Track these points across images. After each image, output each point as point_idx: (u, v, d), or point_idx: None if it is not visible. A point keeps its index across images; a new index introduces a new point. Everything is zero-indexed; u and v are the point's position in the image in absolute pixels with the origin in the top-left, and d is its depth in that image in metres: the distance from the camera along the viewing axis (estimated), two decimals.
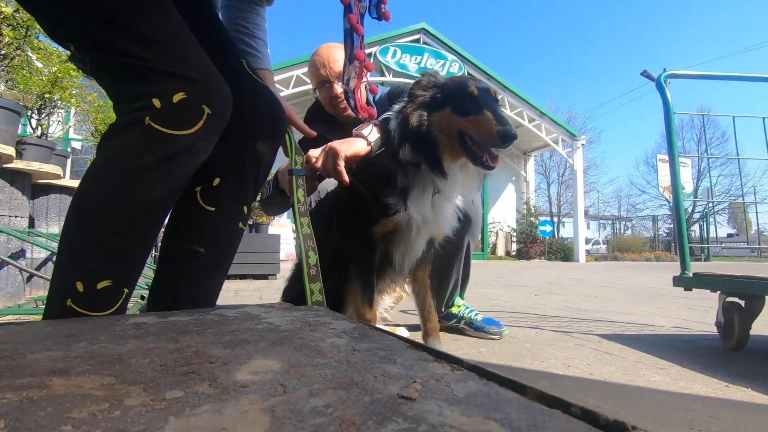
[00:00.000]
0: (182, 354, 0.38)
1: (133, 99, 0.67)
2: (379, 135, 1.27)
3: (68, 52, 0.73)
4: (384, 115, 1.32)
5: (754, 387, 1.18)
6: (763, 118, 2.05)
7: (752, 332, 1.62)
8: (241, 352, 0.39)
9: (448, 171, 1.14)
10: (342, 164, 1.19)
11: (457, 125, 1.10)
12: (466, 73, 10.63)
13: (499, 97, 1.21)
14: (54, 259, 0.74)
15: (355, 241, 1.27)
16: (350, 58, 1.12)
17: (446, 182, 1.16)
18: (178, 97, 0.67)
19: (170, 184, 0.72)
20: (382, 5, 1.08)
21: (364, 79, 1.19)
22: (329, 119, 1.69)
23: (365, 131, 1.26)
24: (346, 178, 1.20)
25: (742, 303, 1.59)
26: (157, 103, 0.66)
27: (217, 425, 0.24)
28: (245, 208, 0.92)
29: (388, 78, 9.57)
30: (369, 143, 1.25)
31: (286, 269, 2.16)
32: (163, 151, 0.68)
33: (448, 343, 1.66)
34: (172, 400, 0.28)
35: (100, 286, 0.66)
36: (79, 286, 0.65)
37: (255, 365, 0.35)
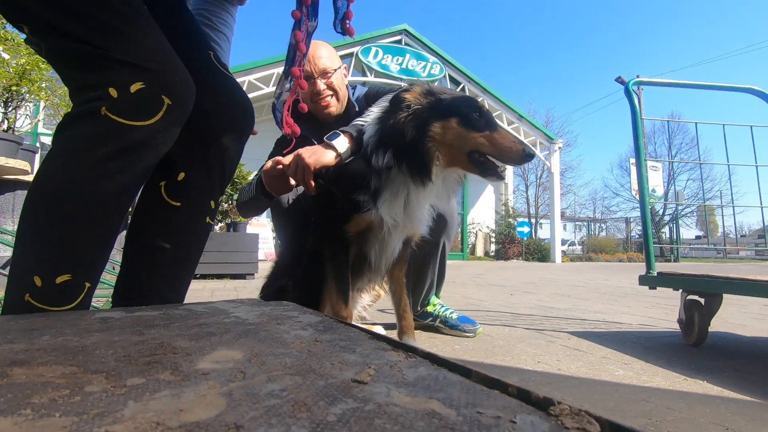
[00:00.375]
0: (147, 345, 0.39)
1: (88, 88, 0.66)
2: (349, 145, 1.29)
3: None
4: (356, 123, 1.34)
5: (709, 380, 1.25)
6: (723, 126, 2.16)
7: (711, 329, 1.70)
8: (205, 343, 0.40)
9: (434, 180, 1.14)
10: (311, 177, 1.21)
11: (471, 140, 1.10)
12: (447, 75, 10.75)
13: (478, 101, 1.24)
14: None
15: (329, 240, 1.28)
16: (286, 73, 1.14)
17: (423, 189, 1.17)
18: (135, 87, 0.65)
19: (129, 177, 0.70)
20: (347, 21, 1.10)
21: (296, 96, 1.20)
22: (308, 115, 1.70)
23: (336, 141, 1.28)
24: (313, 191, 1.22)
25: (702, 301, 1.67)
26: (113, 92, 0.64)
27: (174, 407, 0.25)
28: (212, 203, 0.91)
29: (370, 78, 9.58)
30: (338, 154, 1.27)
31: (264, 269, 2.15)
32: (120, 143, 0.66)
33: (424, 341, 1.69)
34: (133, 386, 0.29)
35: (59, 280, 0.64)
36: (37, 281, 0.64)
37: (218, 355, 0.36)
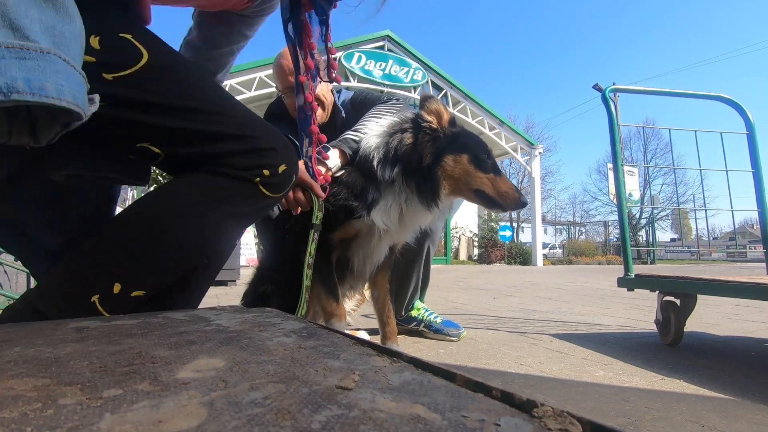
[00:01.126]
0: (124, 356, 0.38)
1: (247, 168, 0.76)
2: (340, 160, 1.29)
3: None
4: (347, 137, 1.34)
5: (685, 379, 1.28)
6: (695, 132, 2.24)
7: (687, 329, 1.76)
8: (185, 352, 0.39)
9: (440, 206, 1.22)
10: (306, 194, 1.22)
11: (477, 179, 1.20)
12: (430, 81, 10.85)
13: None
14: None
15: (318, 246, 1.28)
16: (306, 133, 1.16)
17: (427, 211, 1.23)
18: (282, 168, 0.80)
19: (238, 234, 0.83)
20: (333, 71, 1.14)
21: (318, 148, 1.22)
22: (291, 119, 1.69)
23: (330, 156, 1.29)
24: (308, 206, 1.22)
25: (678, 302, 1.72)
26: (266, 172, 0.78)
27: (153, 418, 0.25)
28: None
29: (353, 83, 9.60)
30: (329, 169, 1.28)
31: (246, 275, 2.12)
32: (255, 207, 0.80)
33: (408, 345, 1.69)
34: (109, 398, 0.28)
35: (133, 294, 0.68)
36: (116, 288, 0.66)
37: (199, 364, 0.36)
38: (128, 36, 0.65)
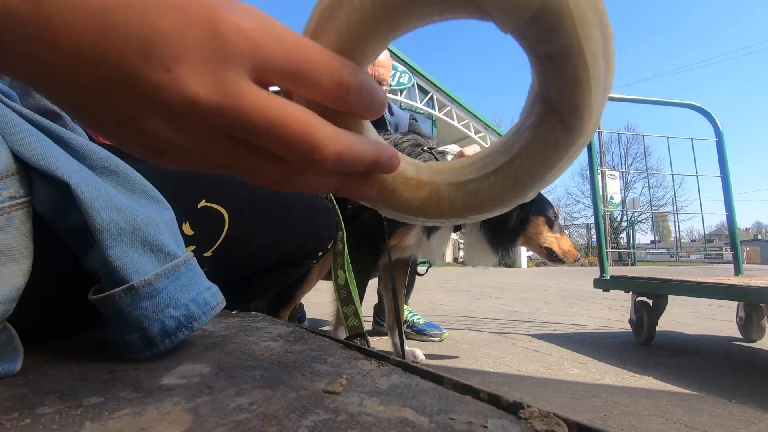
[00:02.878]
0: (106, 362, 0.37)
1: (308, 258, 0.83)
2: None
3: None
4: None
5: (655, 376, 1.33)
6: (668, 138, 2.32)
7: (661, 328, 1.81)
8: (169, 358, 0.39)
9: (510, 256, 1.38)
10: None
11: (547, 238, 1.37)
12: (416, 85, 10.91)
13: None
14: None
15: (365, 249, 1.34)
16: None
17: (494, 257, 1.35)
18: (331, 244, 0.88)
19: None
20: None
21: None
22: None
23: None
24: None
25: (650, 302, 1.78)
26: (321, 253, 0.85)
27: (135, 426, 0.24)
28: None
29: None
30: None
31: None
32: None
33: (390, 347, 1.69)
34: (90, 406, 0.27)
35: None
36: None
37: (183, 370, 0.35)
38: (205, 203, 0.60)
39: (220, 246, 0.61)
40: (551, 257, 1.38)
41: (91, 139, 0.49)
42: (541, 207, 1.37)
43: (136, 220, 0.37)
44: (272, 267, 0.77)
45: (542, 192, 1.37)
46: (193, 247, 0.57)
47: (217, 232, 0.60)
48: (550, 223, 1.37)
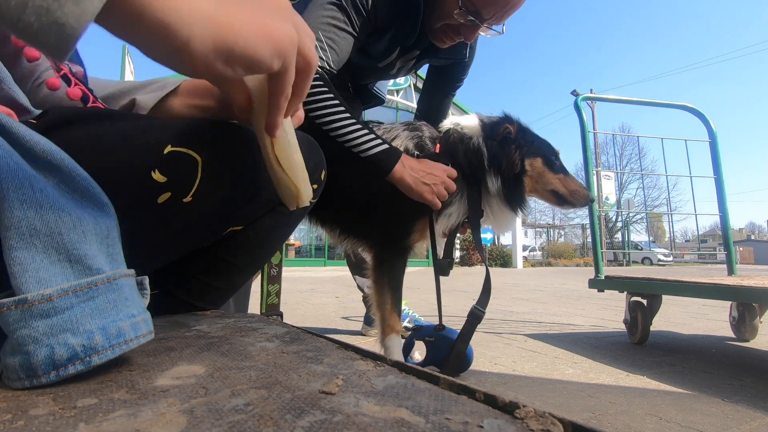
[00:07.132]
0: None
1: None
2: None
3: None
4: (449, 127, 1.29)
5: (648, 375, 1.34)
6: (662, 140, 2.34)
7: (655, 328, 1.83)
8: (164, 359, 0.38)
9: (526, 209, 1.27)
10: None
11: (550, 179, 1.26)
12: (412, 85, 10.92)
13: None
14: None
15: (391, 248, 1.24)
16: None
17: (513, 214, 1.28)
18: (323, 175, 0.83)
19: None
20: None
21: None
22: None
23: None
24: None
25: (645, 302, 1.79)
26: (315, 186, 0.80)
27: (130, 428, 0.24)
28: None
29: None
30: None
31: None
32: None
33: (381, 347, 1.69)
34: (84, 407, 0.27)
35: None
36: None
37: (178, 371, 0.35)
38: (171, 147, 0.56)
39: (200, 190, 0.58)
40: (559, 201, 1.27)
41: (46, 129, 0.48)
42: (535, 148, 1.26)
43: (57, 223, 0.33)
44: (268, 212, 0.73)
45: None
46: (168, 194, 0.55)
47: (191, 175, 0.57)
48: (551, 165, 1.26)
